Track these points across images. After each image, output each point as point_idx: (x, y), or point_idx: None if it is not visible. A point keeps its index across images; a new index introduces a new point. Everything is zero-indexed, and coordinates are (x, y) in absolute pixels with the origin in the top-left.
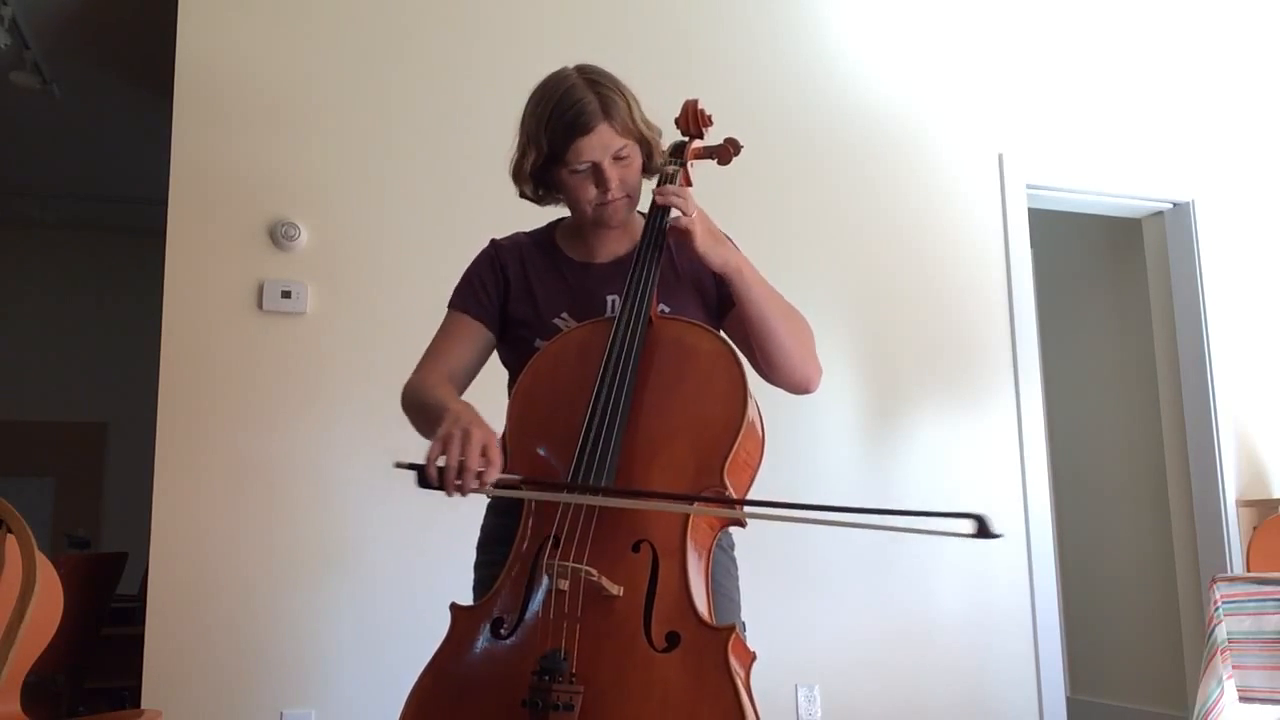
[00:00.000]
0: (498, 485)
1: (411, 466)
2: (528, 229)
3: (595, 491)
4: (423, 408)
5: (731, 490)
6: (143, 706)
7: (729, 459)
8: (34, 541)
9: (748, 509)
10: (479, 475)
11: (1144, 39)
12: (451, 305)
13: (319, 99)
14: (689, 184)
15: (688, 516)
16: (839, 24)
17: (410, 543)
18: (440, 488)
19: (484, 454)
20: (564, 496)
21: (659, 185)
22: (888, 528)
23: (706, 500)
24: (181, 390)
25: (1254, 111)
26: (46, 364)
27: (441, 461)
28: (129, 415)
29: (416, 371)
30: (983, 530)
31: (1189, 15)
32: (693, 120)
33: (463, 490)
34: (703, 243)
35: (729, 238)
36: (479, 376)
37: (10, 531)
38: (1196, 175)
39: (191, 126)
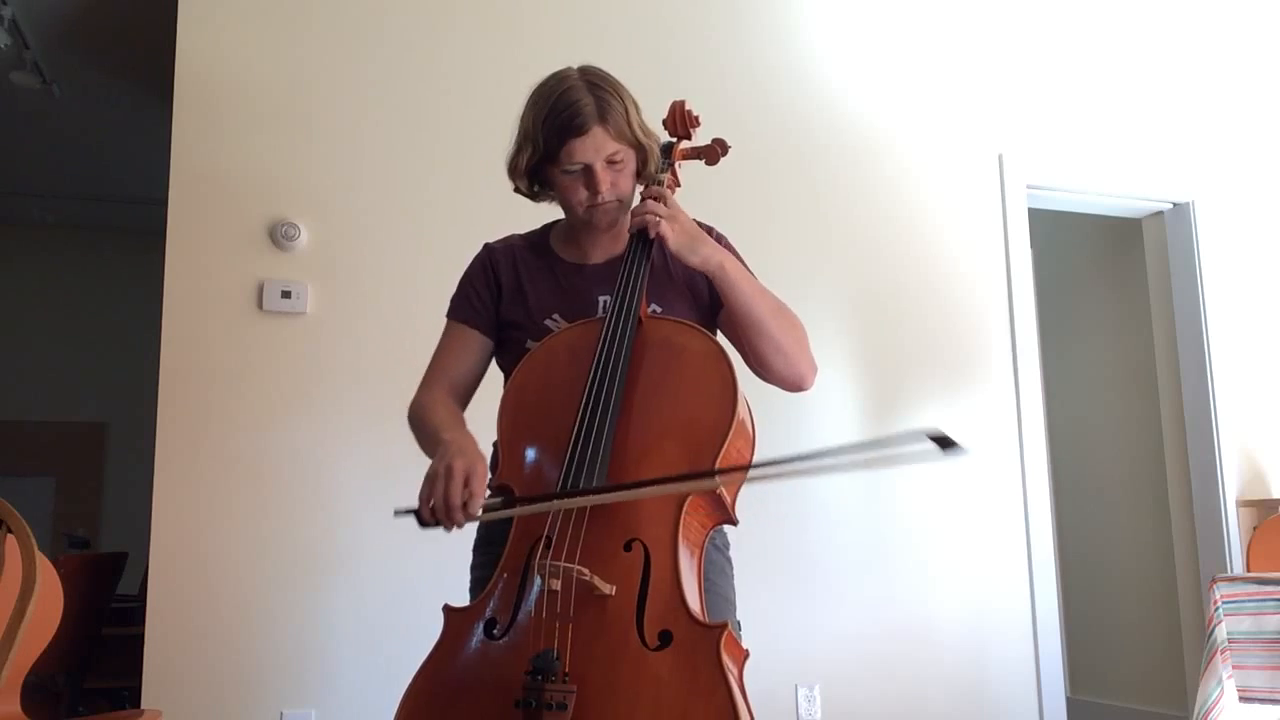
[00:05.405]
0: (487, 509)
1: (410, 512)
2: (524, 230)
3: (581, 493)
4: (425, 435)
5: (722, 489)
6: (143, 706)
7: (718, 458)
8: (34, 541)
9: (723, 477)
10: (464, 508)
11: (1144, 39)
12: (449, 315)
13: (319, 99)
14: (678, 184)
15: (679, 516)
16: (840, 24)
17: (410, 542)
18: (438, 526)
19: (466, 485)
20: (549, 507)
21: (646, 186)
22: (847, 466)
23: (683, 479)
24: (181, 390)
25: (1254, 111)
26: (46, 364)
27: (432, 503)
28: (129, 415)
29: (421, 390)
30: (943, 443)
31: (1189, 15)
32: (680, 121)
33: (457, 525)
34: (677, 243)
35: (721, 235)
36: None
37: (10, 531)
38: (1196, 175)
39: (191, 127)
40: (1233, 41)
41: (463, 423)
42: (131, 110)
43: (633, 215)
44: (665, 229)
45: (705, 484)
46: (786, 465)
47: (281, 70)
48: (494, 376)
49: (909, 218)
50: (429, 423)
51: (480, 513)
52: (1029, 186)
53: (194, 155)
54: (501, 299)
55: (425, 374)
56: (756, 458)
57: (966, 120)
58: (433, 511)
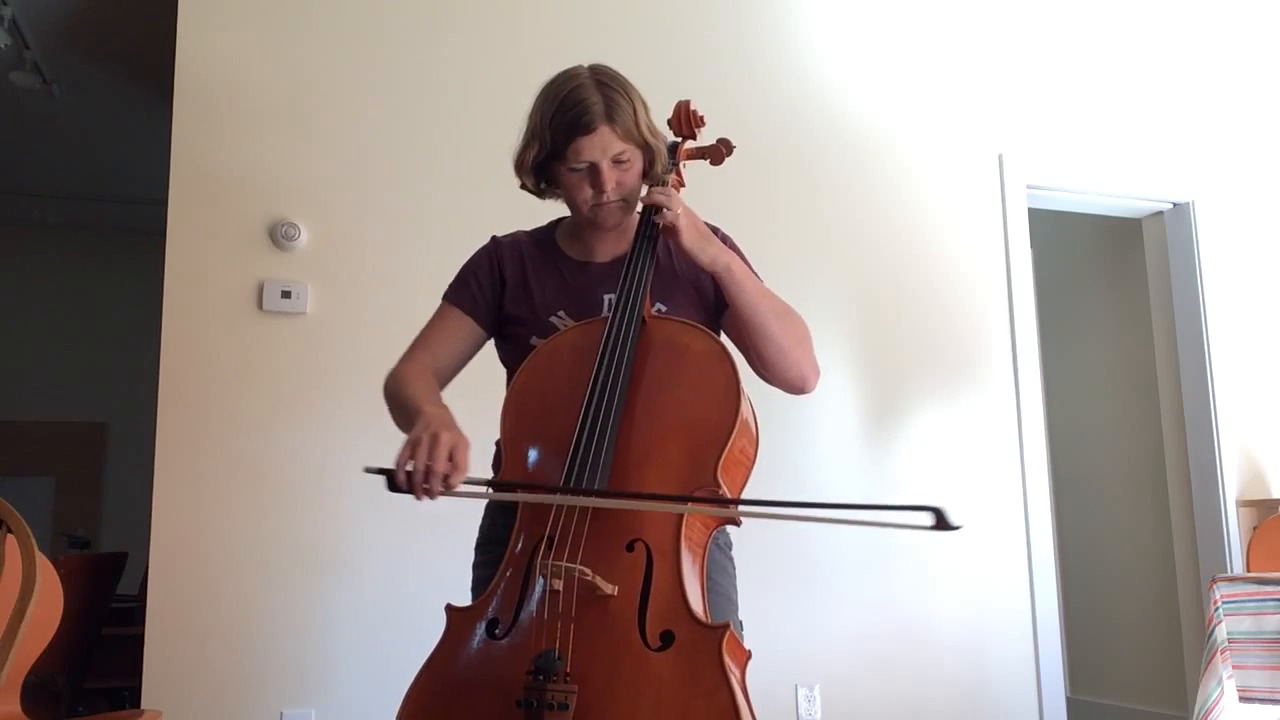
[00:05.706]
0: (468, 486)
1: (381, 471)
2: (529, 228)
3: (576, 492)
4: (401, 404)
5: (725, 489)
6: (143, 706)
7: (722, 458)
8: (34, 541)
9: (741, 508)
10: (445, 479)
11: (1143, 40)
12: (445, 297)
13: (318, 99)
14: (682, 184)
15: (681, 515)
16: (840, 24)
17: (411, 542)
18: (409, 491)
19: (451, 458)
20: (543, 498)
21: (652, 187)
22: (847, 521)
23: (695, 500)
24: (181, 390)
25: (1254, 111)
26: (46, 364)
27: (410, 466)
28: (129, 415)
29: (402, 361)
30: (940, 522)
31: (1189, 16)
32: (685, 121)
33: (430, 494)
34: (689, 239)
35: (727, 236)
36: (479, 378)
37: (10, 531)
38: (1196, 175)
39: (191, 127)
40: (1232, 42)
41: (442, 400)
42: (131, 110)
43: (647, 195)
44: (681, 221)
45: (716, 510)
46: (798, 510)
47: (281, 70)
48: (495, 376)
49: (909, 218)
50: (408, 393)
51: (459, 488)
52: (1029, 186)
53: (194, 155)
54: (505, 293)
55: (409, 348)
56: (771, 495)
57: (966, 120)
58: (409, 476)
